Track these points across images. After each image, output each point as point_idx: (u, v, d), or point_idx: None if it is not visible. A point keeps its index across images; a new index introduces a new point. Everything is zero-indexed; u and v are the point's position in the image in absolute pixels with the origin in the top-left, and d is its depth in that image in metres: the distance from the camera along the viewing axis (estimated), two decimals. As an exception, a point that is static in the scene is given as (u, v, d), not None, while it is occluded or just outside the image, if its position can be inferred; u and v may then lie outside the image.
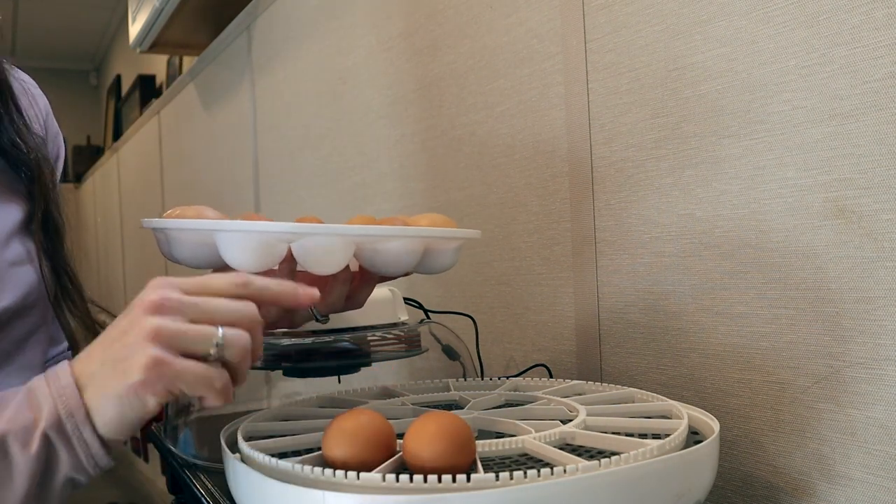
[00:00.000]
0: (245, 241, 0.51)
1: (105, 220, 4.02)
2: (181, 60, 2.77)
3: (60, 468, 0.44)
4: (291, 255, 0.53)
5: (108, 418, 0.44)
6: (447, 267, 0.59)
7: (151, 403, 0.43)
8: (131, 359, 0.42)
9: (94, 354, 0.45)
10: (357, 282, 0.59)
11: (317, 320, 0.59)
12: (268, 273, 0.55)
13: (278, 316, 0.59)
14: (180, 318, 0.43)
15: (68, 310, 0.59)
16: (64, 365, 0.45)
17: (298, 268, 0.55)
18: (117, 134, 3.84)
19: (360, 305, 0.59)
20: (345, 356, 0.75)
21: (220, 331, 0.44)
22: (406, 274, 0.57)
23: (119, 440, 0.45)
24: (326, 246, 0.51)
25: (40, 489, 0.44)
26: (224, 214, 0.56)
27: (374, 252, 0.53)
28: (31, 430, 0.43)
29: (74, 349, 0.60)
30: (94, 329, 0.61)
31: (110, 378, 0.43)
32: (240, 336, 0.45)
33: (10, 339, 0.53)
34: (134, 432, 0.45)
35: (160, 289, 0.44)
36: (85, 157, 4.80)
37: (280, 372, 0.76)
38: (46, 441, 0.43)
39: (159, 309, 0.43)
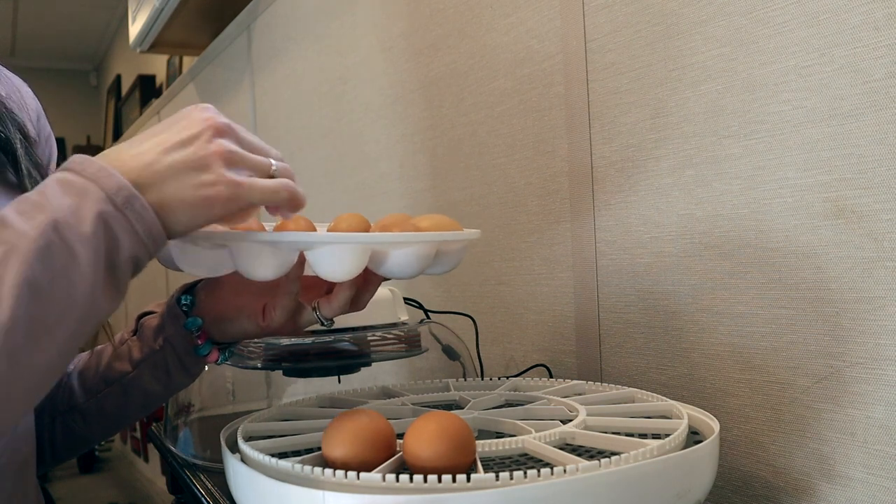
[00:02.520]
0: (263, 251, 0.51)
1: (105, 220, 4.01)
2: (181, 60, 2.77)
3: (121, 246, 0.43)
4: (302, 259, 0.53)
5: (176, 220, 0.45)
6: (452, 267, 0.59)
7: (217, 217, 0.46)
8: (207, 173, 0.45)
9: (149, 153, 0.45)
10: (362, 284, 0.59)
11: (322, 324, 0.59)
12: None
13: (283, 321, 0.59)
14: (239, 147, 0.47)
15: None
16: (84, 157, 0.44)
17: (308, 272, 0.55)
18: (117, 134, 3.84)
19: (363, 307, 0.59)
20: (345, 356, 0.75)
21: (274, 162, 0.49)
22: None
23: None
24: (344, 255, 0.51)
25: (108, 273, 0.42)
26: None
27: (386, 258, 0.53)
28: (81, 212, 0.42)
29: None
30: None
31: (185, 186, 0.44)
32: (288, 168, 0.50)
33: None
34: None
35: (218, 116, 0.47)
36: (85, 157, 4.80)
37: (280, 372, 0.76)
38: (101, 219, 0.42)
39: (225, 133, 0.46)
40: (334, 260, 0.51)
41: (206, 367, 0.72)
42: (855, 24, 0.54)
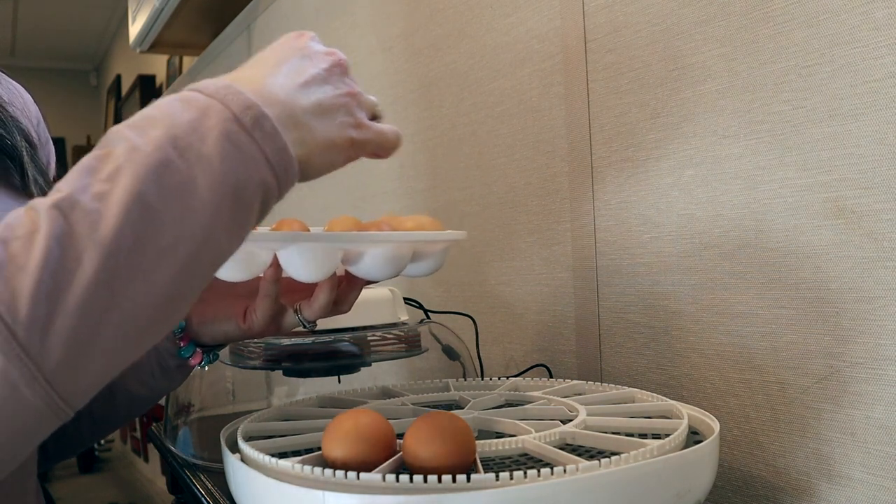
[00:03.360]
0: None
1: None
2: (181, 60, 2.77)
3: (248, 171, 0.37)
4: (276, 261, 0.53)
5: (311, 161, 0.41)
6: (433, 270, 0.59)
7: (340, 162, 0.43)
8: (348, 114, 0.43)
9: (287, 84, 0.40)
10: (344, 286, 0.59)
11: (304, 327, 0.59)
12: (254, 280, 0.55)
13: (264, 323, 0.59)
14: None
15: None
16: (213, 80, 0.40)
17: (284, 274, 0.55)
18: (117, 134, 3.84)
19: (348, 310, 0.59)
20: (345, 356, 0.75)
21: (375, 98, 0.47)
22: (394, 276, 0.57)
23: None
24: (312, 254, 0.51)
25: (231, 202, 0.36)
26: None
27: (360, 258, 0.53)
28: (202, 129, 0.36)
29: None
30: None
31: (330, 126, 0.41)
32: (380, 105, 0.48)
33: None
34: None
35: (337, 51, 0.44)
36: (85, 157, 4.80)
37: (280, 372, 0.76)
38: (225, 138, 0.36)
39: (349, 70, 0.44)
40: (303, 260, 0.51)
41: (205, 369, 0.72)
42: (855, 24, 0.54)
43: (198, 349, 0.64)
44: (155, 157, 0.35)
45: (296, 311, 0.59)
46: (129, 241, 0.33)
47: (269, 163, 0.37)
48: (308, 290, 0.58)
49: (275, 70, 0.41)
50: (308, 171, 0.41)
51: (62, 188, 0.35)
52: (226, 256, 0.38)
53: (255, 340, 0.74)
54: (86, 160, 0.36)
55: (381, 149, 0.46)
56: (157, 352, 0.63)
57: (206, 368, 0.66)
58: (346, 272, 0.56)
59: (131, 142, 0.36)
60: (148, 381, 0.64)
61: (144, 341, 0.36)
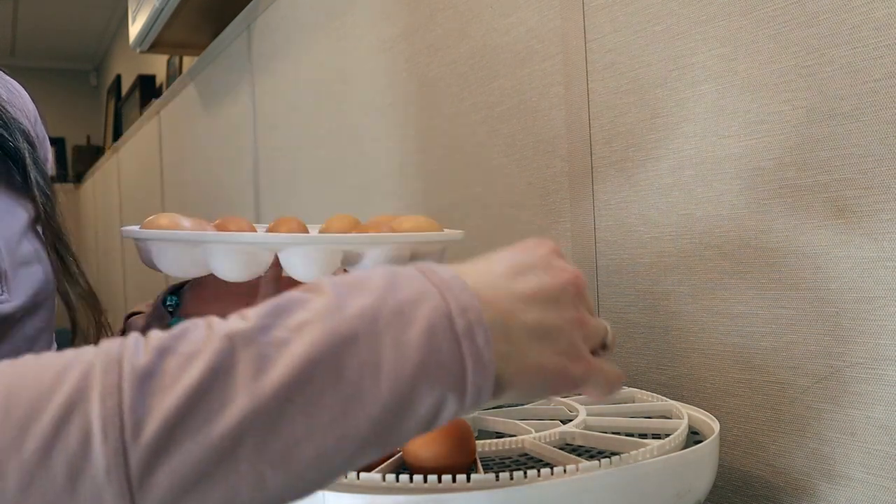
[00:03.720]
0: (233, 252, 0.51)
1: (105, 220, 4.02)
2: (181, 60, 2.77)
3: (436, 378, 0.32)
4: (277, 261, 0.53)
5: (516, 382, 0.35)
6: None
7: (544, 391, 0.37)
8: (568, 342, 0.37)
9: (510, 294, 0.36)
10: None
11: None
12: (254, 279, 0.55)
13: None
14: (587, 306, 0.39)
15: (73, 292, 0.59)
16: (437, 265, 0.36)
17: (284, 274, 0.55)
18: (117, 134, 3.85)
19: None
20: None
21: (608, 325, 0.41)
22: None
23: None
24: (313, 256, 0.51)
25: (400, 407, 0.31)
26: (201, 221, 0.56)
27: (359, 259, 0.53)
28: (409, 315, 0.32)
29: (74, 332, 0.61)
30: (97, 307, 0.60)
31: (546, 350, 0.36)
32: (614, 333, 0.41)
33: (23, 336, 0.54)
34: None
35: (576, 270, 0.40)
36: (85, 157, 4.80)
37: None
38: (429, 334, 0.32)
39: (584, 292, 0.39)
40: (304, 261, 0.51)
41: None
42: (855, 24, 0.54)
43: None
44: (348, 326, 0.32)
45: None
46: (283, 406, 0.30)
47: (463, 377, 0.33)
48: None
49: (507, 272, 0.38)
50: (503, 391, 0.35)
51: (248, 317, 0.32)
52: (353, 464, 0.32)
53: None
54: (284, 298, 0.33)
55: (596, 389, 0.39)
56: None
57: None
58: (345, 272, 0.56)
59: (334, 299, 0.33)
60: None
61: None
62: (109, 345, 0.31)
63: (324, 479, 0.32)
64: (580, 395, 0.42)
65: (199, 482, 0.29)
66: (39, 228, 0.57)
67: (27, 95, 0.64)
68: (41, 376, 0.29)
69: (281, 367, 0.30)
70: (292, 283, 0.56)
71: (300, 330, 0.31)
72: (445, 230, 0.59)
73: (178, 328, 0.32)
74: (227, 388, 0.30)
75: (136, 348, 0.31)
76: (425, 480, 0.41)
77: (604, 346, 0.40)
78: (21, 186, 0.56)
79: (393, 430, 0.32)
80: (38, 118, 0.65)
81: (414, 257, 0.56)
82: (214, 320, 0.33)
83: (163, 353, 0.30)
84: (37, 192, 0.56)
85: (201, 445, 0.29)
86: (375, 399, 0.31)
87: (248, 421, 0.29)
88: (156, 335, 0.32)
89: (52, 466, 0.28)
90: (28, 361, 0.31)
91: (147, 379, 0.29)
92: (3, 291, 0.50)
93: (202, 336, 0.31)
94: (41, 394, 0.29)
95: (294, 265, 0.52)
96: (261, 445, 0.30)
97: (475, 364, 0.33)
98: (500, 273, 0.37)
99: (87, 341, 0.67)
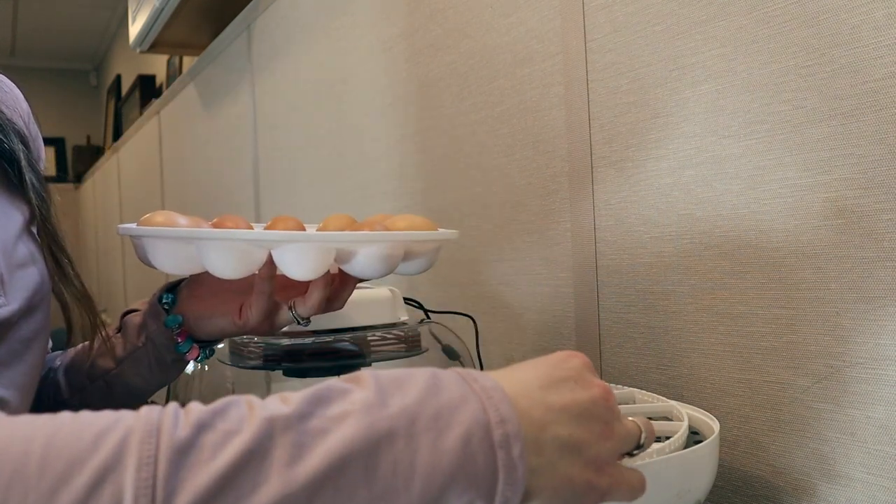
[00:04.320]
0: (225, 248, 0.51)
1: (105, 220, 4.02)
2: (181, 60, 2.77)
3: (468, 485, 0.32)
4: (271, 258, 0.53)
5: (543, 495, 0.35)
6: (425, 268, 0.59)
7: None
8: (597, 457, 0.37)
9: (547, 406, 0.37)
10: (337, 284, 0.59)
11: (298, 323, 0.59)
12: (249, 277, 0.55)
13: (259, 319, 0.60)
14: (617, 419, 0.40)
15: (68, 293, 0.59)
16: (480, 372, 0.37)
17: (279, 272, 0.56)
18: (117, 134, 3.85)
19: (341, 307, 0.60)
20: (345, 356, 0.75)
21: (641, 426, 0.41)
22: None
23: None
24: (306, 253, 0.52)
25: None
26: (197, 219, 0.56)
27: (353, 257, 0.53)
28: (445, 420, 0.33)
29: (70, 331, 0.61)
30: (92, 309, 0.61)
31: (576, 463, 0.36)
32: (650, 426, 0.42)
33: (19, 338, 0.53)
34: None
35: (607, 387, 0.40)
36: (85, 157, 4.80)
37: (280, 372, 0.76)
38: (464, 442, 0.33)
39: (612, 407, 0.40)
40: (297, 258, 0.51)
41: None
42: (855, 24, 0.54)
43: (195, 344, 0.64)
44: (387, 424, 0.32)
45: (290, 308, 0.59)
46: (310, 496, 0.30)
47: (494, 487, 0.33)
48: (302, 287, 0.58)
49: (542, 383, 0.39)
50: (529, 502, 0.35)
51: (290, 401, 0.33)
52: None
53: (256, 340, 0.74)
54: (326, 387, 0.34)
55: (620, 496, 0.39)
56: (155, 346, 0.64)
57: (205, 366, 0.66)
58: (340, 270, 0.57)
59: (375, 394, 0.33)
60: (145, 375, 0.65)
61: None
62: (150, 412, 0.31)
63: None
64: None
65: None
66: (34, 230, 0.57)
67: (19, 93, 0.64)
68: (81, 435, 0.30)
69: (316, 457, 0.30)
70: (287, 281, 0.56)
71: (339, 421, 0.32)
72: (440, 229, 0.59)
73: (219, 404, 0.32)
74: (261, 471, 0.30)
75: (175, 419, 0.31)
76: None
77: (639, 447, 0.41)
78: (16, 188, 0.56)
79: None
80: (31, 116, 0.65)
81: (408, 256, 0.56)
82: (255, 401, 0.33)
83: (202, 428, 0.31)
84: (32, 194, 0.56)
85: None
86: (406, 500, 0.31)
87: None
88: (196, 408, 0.32)
89: None
90: (68, 419, 0.31)
91: (184, 453, 0.30)
92: (0, 295, 0.50)
93: (242, 415, 0.31)
94: (79, 454, 0.29)
95: (287, 263, 0.52)
96: None
97: (507, 476, 0.33)
98: (535, 384, 0.38)
99: (83, 340, 0.67)
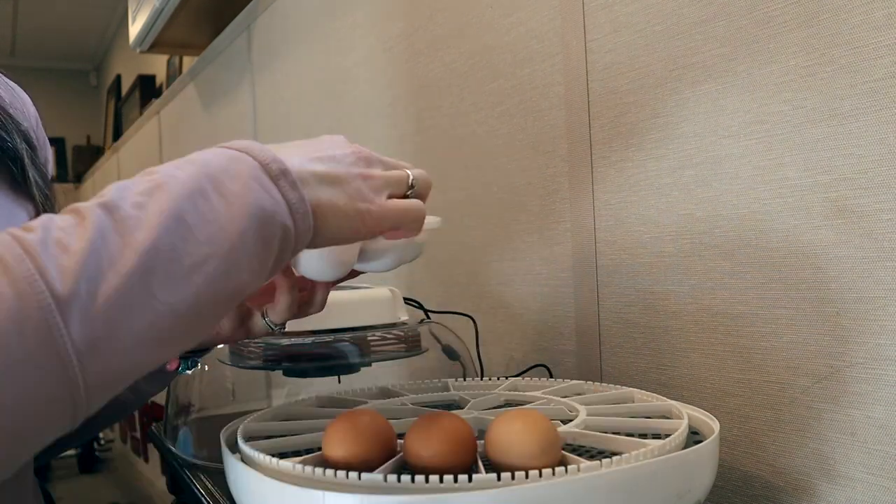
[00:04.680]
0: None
1: (105, 220, 4.01)
2: (181, 60, 2.77)
3: (274, 211, 0.39)
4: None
5: (325, 224, 0.42)
6: (395, 265, 0.56)
7: (352, 232, 0.44)
8: (359, 190, 0.44)
9: (300, 155, 0.43)
10: (311, 286, 0.58)
11: (272, 330, 0.58)
12: None
13: (233, 327, 0.59)
14: (380, 167, 0.47)
15: None
16: (239, 140, 0.43)
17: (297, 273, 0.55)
18: (117, 134, 3.84)
19: (320, 309, 0.58)
20: (345, 356, 0.75)
21: (410, 172, 0.48)
22: (354, 275, 0.56)
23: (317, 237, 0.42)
24: (326, 254, 0.51)
25: (258, 235, 0.38)
26: None
27: (297, 258, 0.51)
28: (233, 171, 0.39)
29: None
30: None
31: (338, 194, 0.43)
32: (423, 173, 0.49)
33: None
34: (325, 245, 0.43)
35: (354, 145, 0.47)
36: (85, 157, 4.80)
37: (280, 372, 0.76)
38: (255, 180, 0.39)
39: (370, 158, 0.46)
40: (318, 258, 0.50)
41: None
42: (855, 24, 0.54)
43: None
44: (191, 185, 0.37)
45: (263, 315, 0.58)
46: (165, 250, 0.35)
47: (290, 208, 0.40)
48: (267, 293, 0.57)
49: (295, 147, 0.44)
50: (319, 230, 0.42)
51: (102, 195, 0.36)
52: (245, 288, 0.39)
53: (256, 340, 0.74)
54: (122, 181, 0.37)
55: (401, 225, 0.46)
56: None
57: (205, 366, 0.66)
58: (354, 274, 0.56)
59: (168, 172, 0.38)
60: (132, 386, 0.64)
61: (164, 349, 0.36)
62: None
63: (217, 300, 0.37)
64: (399, 234, 0.49)
65: (120, 318, 0.33)
66: None
67: (28, 99, 0.64)
68: None
69: (152, 222, 0.35)
70: (263, 287, 0.55)
71: (152, 194, 0.36)
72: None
73: (40, 218, 0.35)
74: (115, 243, 0.34)
75: (16, 235, 0.33)
76: (426, 480, 0.41)
77: (410, 189, 0.48)
78: (21, 187, 0.56)
79: (255, 258, 0.38)
80: (39, 122, 0.65)
81: (370, 252, 0.54)
82: (77, 204, 0.36)
83: (45, 228, 0.34)
84: (36, 192, 0.56)
85: (112, 288, 0.33)
86: (233, 231, 0.37)
87: (140, 265, 0.34)
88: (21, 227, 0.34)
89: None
90: None
91: (45, 245, 0.33)
92: None
93: (74, 211, 0.35)
94: None
95: (307, 261, 0.50)
96: (159, 280, 0.34)
97: (293, 196, 0.40)
98: (290, 148, 0.44)
99: None
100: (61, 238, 0.33)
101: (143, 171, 0.38)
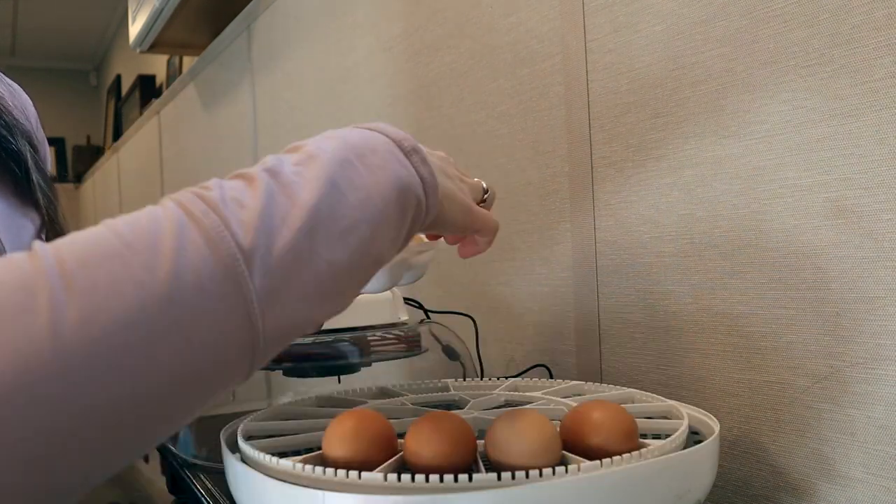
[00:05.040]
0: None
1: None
2: (181, 60, 2.77)
3: (409, 182, 0.41)
4: None
5: (445, 207, 0.45)
6: (417, 279, 0.59)
7: (462, 222, 0.47)
8: (465, 191, 0.48)
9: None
10: None
11: None
12: None
13: None
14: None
15: None
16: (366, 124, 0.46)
17: None
18: (117, 134, 3.84)
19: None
20: (345, 356, 0.75)
21: (483, 183, 0.52)
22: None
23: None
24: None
25: (398, 203, 0.41)
26: None
27: (412, 266, 0.55)
28: (371, 145, 0.41)
29: None
30: None
31: (455, 188, 0.46)
32: (492, 186, 0.54)
33: None
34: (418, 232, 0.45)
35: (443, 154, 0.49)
36: (85, 157, 4.80)
37: (280, 372, 0.76)
38: (390, 154, 0.42)
39: (455, 166, 0.50)
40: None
41: None
42: (855, 24, 0.54)
43: None
44: (338, 155, 0.39)
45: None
46: (325, 210, 0.37)
47: (423, 182, 0.42)
48: None
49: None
50: (440, 213, 0.45)
51: (264, 162, 0.38)
52: (384, 256, 0.41)
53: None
54: (275, 155, 0.40)
55: (487, 231, 0.50)
56: None
57: None
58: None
59: (316, 144, 0.40)
60: None
61: (323, 306, 0.38)
62: (179, 200, 0.35)
63: (363, 265, 0.40)
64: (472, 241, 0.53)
65: (293, 270, 0.35)
66: (44, 237, 0.57)
67: (27, 98, 0.64)
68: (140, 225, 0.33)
69: (311, 185, 0.37)
70: None
71: (306, 164, 0.39)
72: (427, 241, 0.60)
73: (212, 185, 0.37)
74: (284, 203, 0.36)
75: (196, 192, 0.35)
76: (427, 480, 0.41)
77: (483, 201, 0.52)
78: (25, 195, 0.56)
79: (395, 228, 0.41)
80: (38, 122, 0.65)
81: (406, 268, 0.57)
82: (240, 170, 0.39)
83: (218, 187, 0.36)
84: (39, 195, 0.56)
85: (285, 243, 0.35)
86: (379, 198, 0.39)
87: (306, 224, 0.36)
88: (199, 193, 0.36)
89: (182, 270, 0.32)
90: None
91: (224, 203, 0.35)
92: None
93: (243, 175, 0.38)
94: (150, 230, 0.32)
95: None
96: (321, 239, 0.36)
97: (425, 171, 0.42)
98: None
99: None
100: (236, 196, 0.35)
101: (290, 146, 0.41)
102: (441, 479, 0.41)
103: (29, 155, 0.56)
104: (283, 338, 0.36)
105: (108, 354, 0.28)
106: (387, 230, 0.40)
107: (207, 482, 0.69)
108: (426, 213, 0.43)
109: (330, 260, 0.37)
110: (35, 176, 0.56)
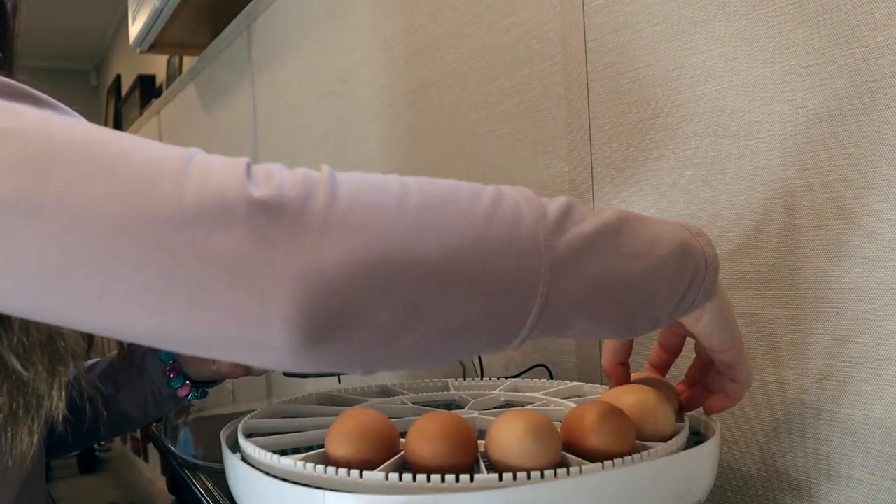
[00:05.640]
0: None
1: (105, 220, 4.01)
2: (181, 60, 2.77)
3: (693, 246, 0.44)
4: None
5: (720, 305, 0.46)
6: None
7: (721, 331, 0.47)
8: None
9: None
10: None
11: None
12: None
13: (231, 365, 0.62)
14: None
15: None
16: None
17: None
18: (117, 134, 3.83)
19: None
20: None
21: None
22: None
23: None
24: None
25: (679, 262, 0.43)
26: None
27: None
28: (661, 223, 0.44)
29: (90, 346, 0.61)
30: None
31: (729, 305, 0.48)
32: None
33: None
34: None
35: None
36: (85, 157, 4.78)
37: (280, 372, 0.76)
38: (680, 228, 0.45)
39: None
40: None
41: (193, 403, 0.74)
42: (855, 24, 0.54)
43: (187, 382, 0.67)
44: (629, 218, 0.43)
45: None
46: (617, 228, 0.42)
47: (705, 256, 0.45)
48: None
49: None
50: (716, 304, 0.46)
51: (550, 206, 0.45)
52: (657, 300, 0.43)
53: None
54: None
55: (744, 369, 0.50)
56: (152, 380, 0.67)
57: (191, 401, 0.69)
58: None
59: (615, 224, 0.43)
60: (143, 406, 0.68)
61: (602, 307, 0.40)
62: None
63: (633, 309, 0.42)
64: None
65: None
66: None
67: None
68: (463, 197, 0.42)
69: (605, 215, 0.42)
70: None
71: (594, 216, 0.43)
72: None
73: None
74: (615, 242, 0.41)
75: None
76: (428, 480, 0.41)
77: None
78: None
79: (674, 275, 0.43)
80: None
81: None
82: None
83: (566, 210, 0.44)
84: None
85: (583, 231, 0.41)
86: (662, 244, 0.43)
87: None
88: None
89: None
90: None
91: (567, 214, 0.43)
92: None
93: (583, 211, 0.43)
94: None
95: None
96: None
97: (711, 254, 0.45)
98: None
99: (103, 352, 0.69)
100: (578, 215, 0.42)
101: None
102: (442, 479, 0.41)
103: None
104: (562, 311, 0.38)
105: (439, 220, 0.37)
106: (664, 274, 0.42)
107: (207, 482, 0.69)
108: (703, 283, 0.44)
109: (612, 268, 0.40)
110: None
